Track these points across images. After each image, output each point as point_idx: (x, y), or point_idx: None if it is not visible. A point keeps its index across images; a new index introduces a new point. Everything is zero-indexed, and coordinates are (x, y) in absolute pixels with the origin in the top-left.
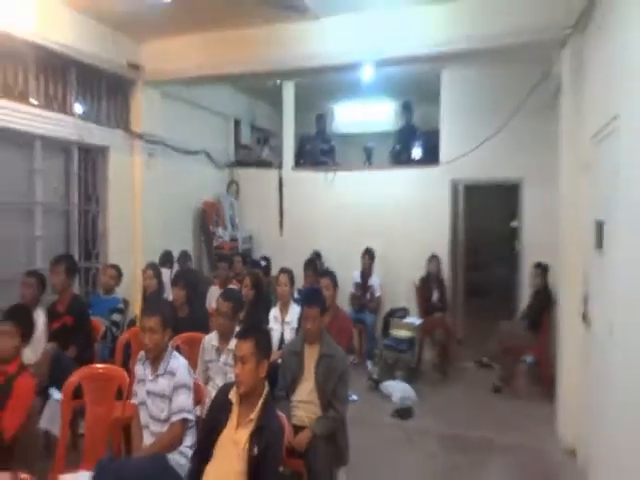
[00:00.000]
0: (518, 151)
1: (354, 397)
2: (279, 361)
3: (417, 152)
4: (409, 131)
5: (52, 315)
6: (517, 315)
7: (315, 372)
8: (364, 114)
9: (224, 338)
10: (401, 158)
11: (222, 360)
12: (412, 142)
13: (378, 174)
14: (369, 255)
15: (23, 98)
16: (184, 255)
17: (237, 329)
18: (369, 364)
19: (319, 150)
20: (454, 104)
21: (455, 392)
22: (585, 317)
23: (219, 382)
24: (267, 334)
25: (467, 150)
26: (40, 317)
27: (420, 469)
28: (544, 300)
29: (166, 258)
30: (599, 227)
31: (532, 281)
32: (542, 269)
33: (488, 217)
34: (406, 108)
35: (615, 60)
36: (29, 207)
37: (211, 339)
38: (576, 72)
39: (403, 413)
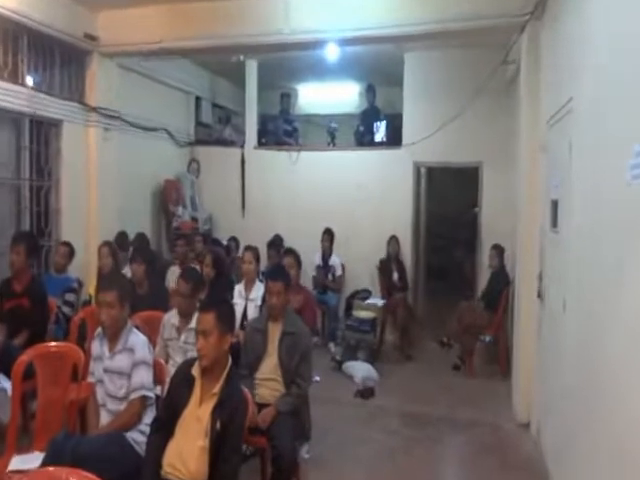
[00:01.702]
0: (478, 135)
1: (317, 378)
2: (240, 338)
3: (380, 134)
4: (373, 113)
5: (5, 293)
6: (476, 296)
7: (279, 349)
8: (328, 95)
9: (184, 317)
10: (364, 140)
11: (182, 339)
12: (375, 124)
13: (342, 155)
14: (328, 235)
15: None
16: (140, 237)
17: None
18: (332, 345)
19: (282, 130)
20: (417, 87)
21: (416, 371)
22: (540, 294)
23: (179, 360)
24: (230, 307)
25: (429, 133)
26: None
27: (381, 445)
28: (501, 281)
29: (122, 239)
30: (554, 206)
31: (490, 262)
32: (499, 250)
33: (450, 200)
34: (370, 90)
35: (569, 45)
36: None
37: (170, 317)
38: (533, 57)
39: (365, 393)
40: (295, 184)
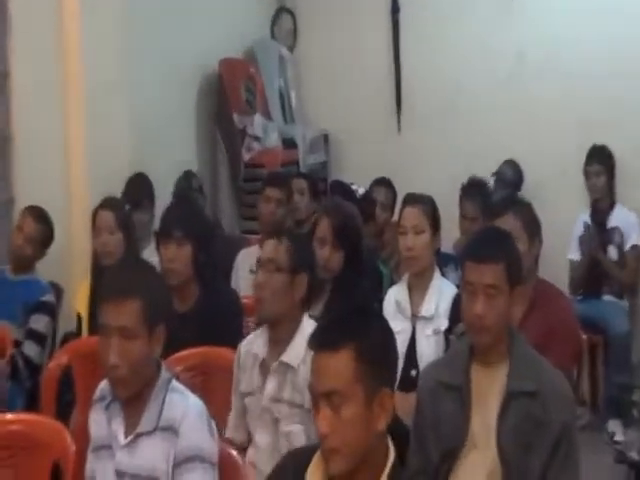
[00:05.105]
0: None
1: None
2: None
3: None
4: None
5: None
6: None
7: (499, 428)
8: None
9: (276, 336)
10: None
11: (269, 391)
12: None
13: None
14: (602, 160)
15: None
16: (186, 178)
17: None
18: (613, 424)
19: None
20: None
21: None
22: None
23: (264, 440)
24: (387, 326)
25: None
26: None
27: None
28: None
29: (138, 191)
30: None
31: None
32: None
33: None
34: None
35: None
36: None
37: (253, 341)
38: None
39: None
40: (515, 50)
